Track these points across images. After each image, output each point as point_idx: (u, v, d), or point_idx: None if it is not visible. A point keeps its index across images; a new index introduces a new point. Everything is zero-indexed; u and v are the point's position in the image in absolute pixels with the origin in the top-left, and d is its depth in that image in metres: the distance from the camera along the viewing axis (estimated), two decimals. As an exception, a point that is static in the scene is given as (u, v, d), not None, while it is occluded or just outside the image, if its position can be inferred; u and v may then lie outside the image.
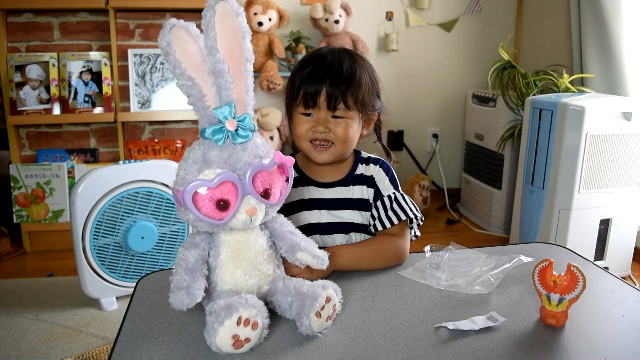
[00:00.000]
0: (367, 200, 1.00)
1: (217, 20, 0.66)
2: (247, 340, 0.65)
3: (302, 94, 0.92)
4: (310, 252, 0.76)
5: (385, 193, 0.99)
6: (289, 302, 0.72)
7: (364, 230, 1.00)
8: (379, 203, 0.98)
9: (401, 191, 1.00)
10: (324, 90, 0.91)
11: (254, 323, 0.65)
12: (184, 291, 0.65)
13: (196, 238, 0.72)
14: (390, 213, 0.96)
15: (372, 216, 0.98)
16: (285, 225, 0.78)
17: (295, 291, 0.72)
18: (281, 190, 0.73)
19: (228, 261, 0.71)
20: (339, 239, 0.99)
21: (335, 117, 0.93)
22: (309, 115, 0.93)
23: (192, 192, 0.66)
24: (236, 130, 0.68)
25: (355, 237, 1.00)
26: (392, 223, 0.95)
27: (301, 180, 1.00)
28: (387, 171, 1.01)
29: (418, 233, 1.04)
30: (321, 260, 0.77)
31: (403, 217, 0.95)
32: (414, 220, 0.99)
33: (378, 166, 1.02)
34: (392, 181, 1.01)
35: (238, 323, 0.63)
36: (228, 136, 0.68)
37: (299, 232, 0.79)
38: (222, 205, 0.67)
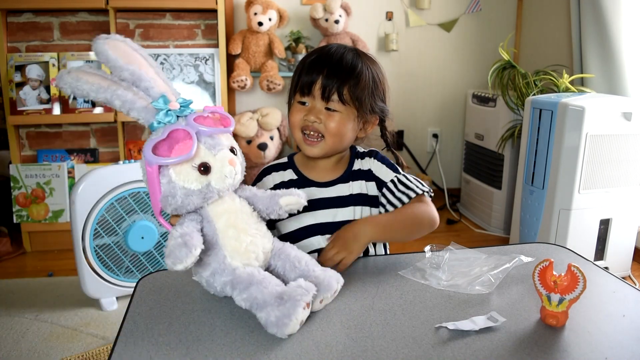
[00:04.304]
0: (367, 194, 1.00)
1: (111, 48, 0.72)
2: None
3: (299, 81, 0.93)
4: (291, 194, 0.81)
5: (387, 179, 0.99)
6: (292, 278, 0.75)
7: None
8: (385, 190, 0.99)
9: (403, 172, 1.01)
10: (320, 79, 0.91)
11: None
12: (182, 247, 0.67)
13: (185, 217, 0.74)
14: (399, 194, 0.97)
15: (382, 204, 0.99)
16: (251, 189, 0.82)
17: (305, 270, 0.76)
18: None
19: (229, 229, 0.74)
20: None
21: (330, 109, 0.93)
22: (304, 104, 0.94)
23: (157, 164, 0.68)
24: (180, 108, 0.73)
25: None
26: (402, 203, 0.96)
27: (300, 182, 1.00)
28: (382, 160, 1.02)
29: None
30: (301, 195, 0.81)
31: (413, 195, 0.96)
32: (425, 194, 0.99)
33: (372, 158, 1.02)
34: (390, 166, 1.01)
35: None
36: (177, 117, 0.73)
37: (261, 190, 0.83)
38: (204, 170, 0.70)
